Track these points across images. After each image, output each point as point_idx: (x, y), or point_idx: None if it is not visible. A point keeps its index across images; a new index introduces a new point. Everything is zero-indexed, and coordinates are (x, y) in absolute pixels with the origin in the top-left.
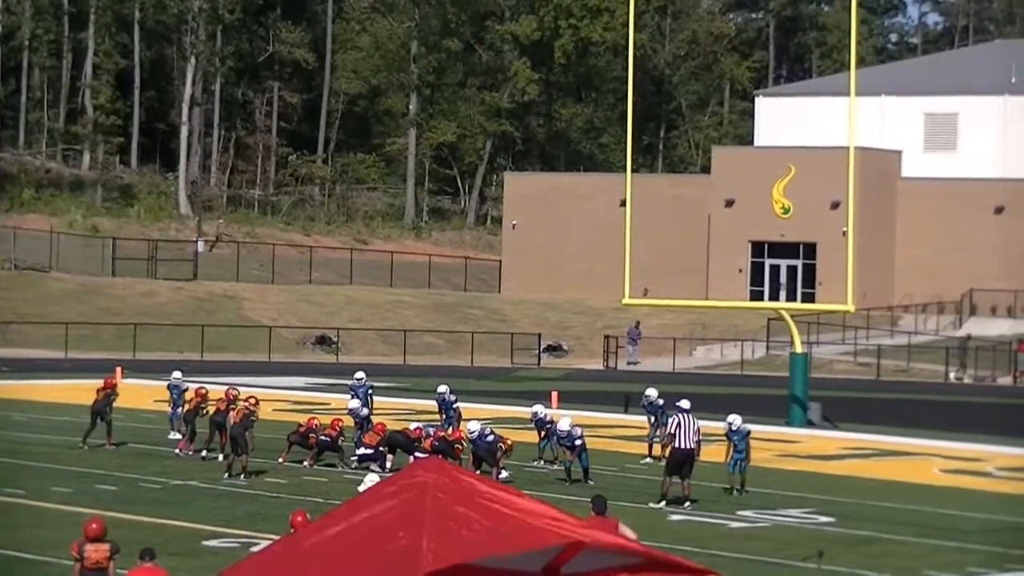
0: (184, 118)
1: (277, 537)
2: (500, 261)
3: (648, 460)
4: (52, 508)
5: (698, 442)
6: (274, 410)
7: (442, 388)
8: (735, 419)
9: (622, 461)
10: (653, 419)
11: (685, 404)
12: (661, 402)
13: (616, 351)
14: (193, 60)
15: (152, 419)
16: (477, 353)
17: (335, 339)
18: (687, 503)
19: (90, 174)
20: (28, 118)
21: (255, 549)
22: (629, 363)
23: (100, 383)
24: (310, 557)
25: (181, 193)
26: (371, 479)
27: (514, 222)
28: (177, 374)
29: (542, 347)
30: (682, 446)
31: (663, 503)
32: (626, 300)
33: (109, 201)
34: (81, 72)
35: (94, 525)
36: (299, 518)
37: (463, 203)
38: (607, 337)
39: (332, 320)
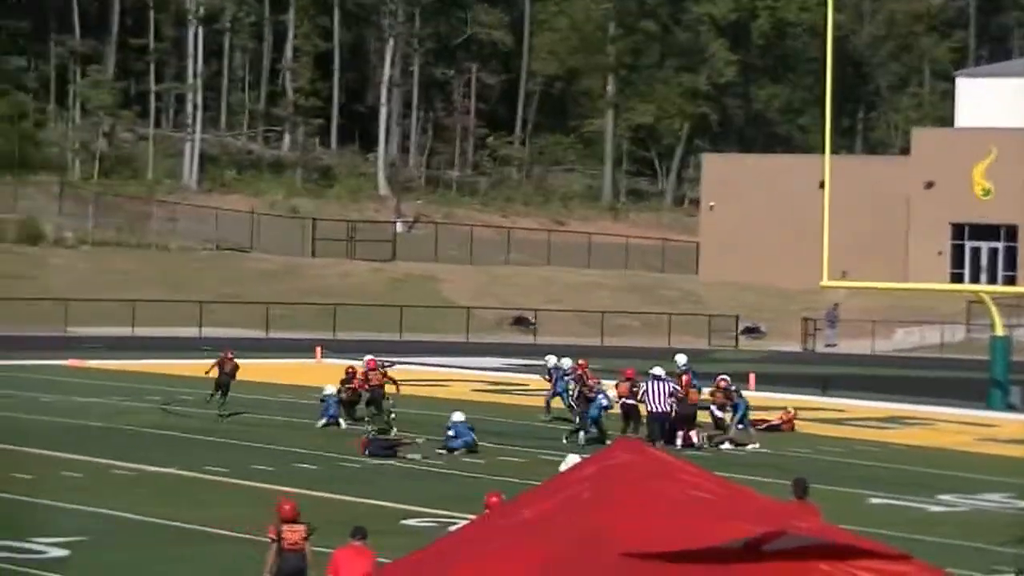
0: (383, 99)
1: (473, 517)
2: (697, 243)
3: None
4: (253, 486)
5: (672, 405)
6: (472, 390)
7: (681, 359)
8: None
9: (816, 443)
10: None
11: (658, 371)
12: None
13: (814, 333)
14: (392, 42)
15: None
16: (673, 335)
17: (532, 320)
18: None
19: (290, 155)
20: (230, 100)
21: (452, 529)
22: (827, 345)
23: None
24: (506, 535)
25: (380, 174)
26: (571, 459)
27: (712, 204)
28: (552, 359)
29: (740, 329)
30: (656, 410)
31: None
32: (824, 282)
33: (309, 182)
34: (282, 54)
35: (287, 506)
36: (494, 499)
37: (661, 184)
38: (805, 319)
39: (529, 301)
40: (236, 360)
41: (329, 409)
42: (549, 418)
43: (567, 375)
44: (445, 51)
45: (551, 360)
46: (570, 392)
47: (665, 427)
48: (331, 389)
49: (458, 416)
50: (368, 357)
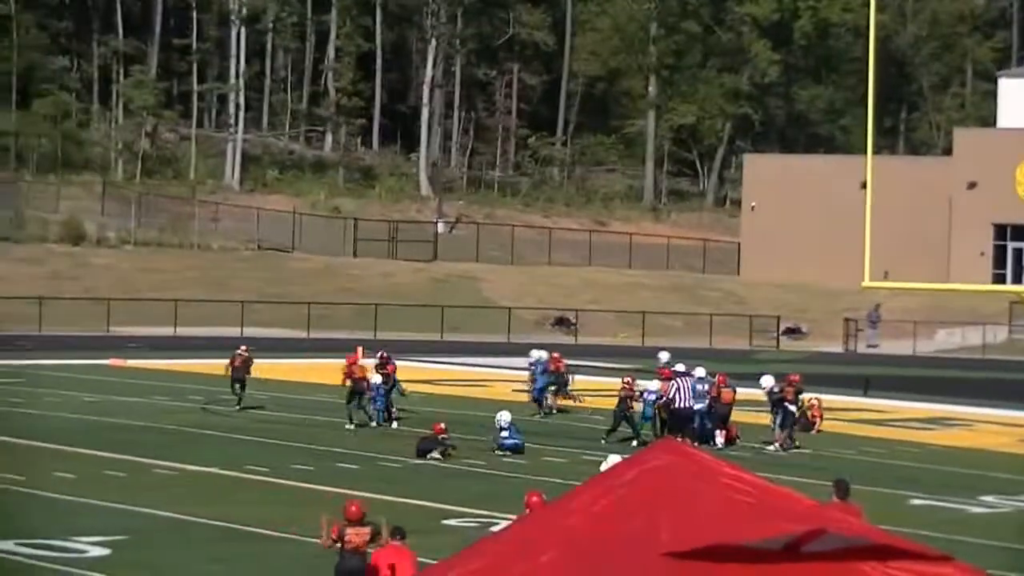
0: (425, 100)
1: (514, 517)
2: (739, 243)
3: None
4: (293, 486)
5: (707, 403)
6: (513, 391)
7: (664, 356)
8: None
9: (856, 444)
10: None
11: (681, 367)
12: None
13: (856, 334)
14: (434, 42)
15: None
16: (715, 335)
17: (573, 320)
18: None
19: (332, 155)
20: (272, 100)
21: (494, 529)
22: (869, 346)
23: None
24: (546, 537)
25: (422, 174)
26: (612, 459)
27: (753, 204)
28: (536, 353)
29: (781, 329)
30: (682, 406)
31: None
32: (866, 283)
33: (351, 182)
34: (324, 54)
35: (354, 508)
36: (535, 499)
37: (702, 185)
38: (847, 320)
39: (570, 301)
40: (249, 356)
41: (376, 401)
42: (542, 414)
43: (545, 370)
44: (487, 51)
45: (534, 354)
46: (549, 387)
47: (693, 425)
48: (377, 379)
49: (507, 416)
50: (382, 352)
